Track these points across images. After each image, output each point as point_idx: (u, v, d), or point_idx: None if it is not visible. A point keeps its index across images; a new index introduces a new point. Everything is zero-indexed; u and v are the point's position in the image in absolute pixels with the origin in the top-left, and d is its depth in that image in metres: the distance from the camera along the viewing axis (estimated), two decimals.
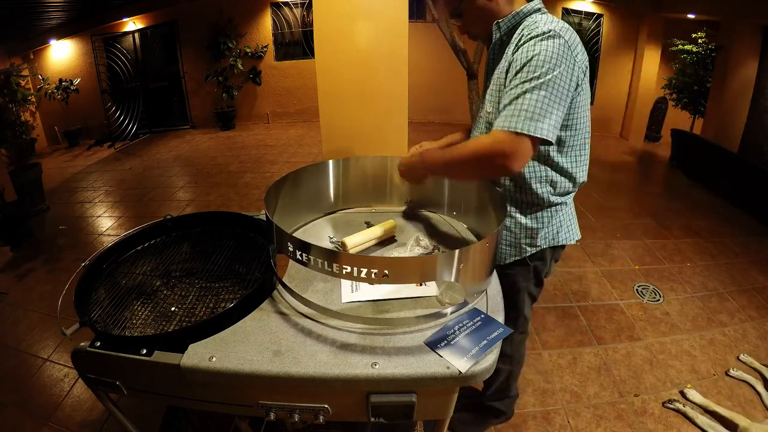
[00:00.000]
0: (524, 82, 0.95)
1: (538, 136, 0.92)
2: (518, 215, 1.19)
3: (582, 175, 1.16)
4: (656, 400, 1.88)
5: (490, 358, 0.83)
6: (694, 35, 5.40)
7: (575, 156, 1.13)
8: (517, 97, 0.95)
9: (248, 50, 6.76)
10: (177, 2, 6.43)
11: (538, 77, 0.94)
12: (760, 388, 1.91)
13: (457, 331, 0.89)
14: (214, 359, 0.83)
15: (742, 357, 2.08)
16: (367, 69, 1.91)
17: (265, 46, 6.83)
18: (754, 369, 2.01)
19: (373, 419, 0.86)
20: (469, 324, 0.91)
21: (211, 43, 6.61)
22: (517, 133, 0.93)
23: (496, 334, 0.88)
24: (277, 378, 0.81)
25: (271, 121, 7.34)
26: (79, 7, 5.64)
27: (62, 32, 6.31)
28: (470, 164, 1.02)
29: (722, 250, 3.14)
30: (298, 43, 6.98)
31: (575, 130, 1.08)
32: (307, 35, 6.81)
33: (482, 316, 0.93)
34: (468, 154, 1.01)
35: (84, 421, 1.82)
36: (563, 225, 1.22)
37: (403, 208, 1.44)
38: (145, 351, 0.86)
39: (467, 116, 3.02)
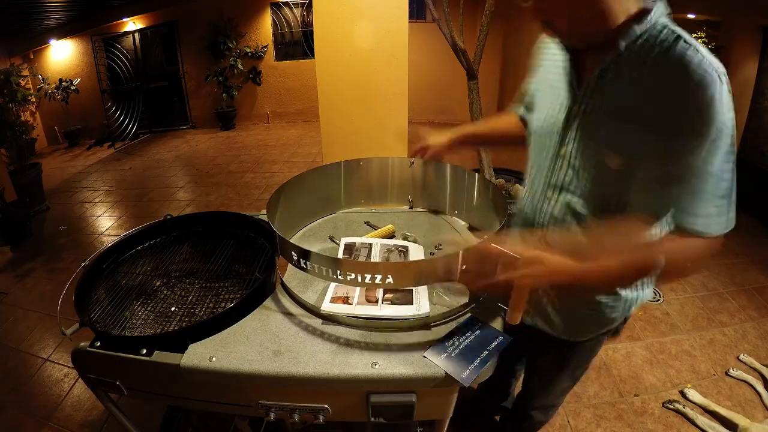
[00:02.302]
0: (713, 151, 0.68)
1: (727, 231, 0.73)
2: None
3: None
4: (656, 400, 1.88)
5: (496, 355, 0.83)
6: (694, 35, 5.41)
7: None
8: (707, 177, 0.70)
9: (248, 50, 6.76)
10: (177, 2, 6.42)
11: (730, 144, 0.69)
12: (760, 388, 1.91)
13: (456, 342, 0.86)
14: (214, 359, 0.83)
15: (742, 357, 2.08)
16: (367, 69, 1.91)
17: (265, 46, 6.83)
18: (754, 369, 2.01)
19: (373, 419, 0.86)
20: (468, 333, 0.89)
21: (211, 43, 6.61)
22: (714, 237, 0.73)
23: (495, 343, 0.86)
24: (277, 378, 0.81)
25: (271, 121, 7.34)
26: (79, 7, 5.64)
27: (62, 32, 6.31)
28: (629, 278, 0.81)
29: (722, 250, 3.12)
30: (298, 43, 6.98)
31: None
32: (307, 35, 6.80)
33: (480, 324, 0.91)
34: (632, 266, 0.75)
35: (84, 421, 1.82)
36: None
37: (404, 207, 1.44)
38: (145, 351, 0.86)
39: (467, 116, 3.02)
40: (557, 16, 0.74)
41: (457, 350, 0.84)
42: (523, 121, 1.13)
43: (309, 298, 0.99)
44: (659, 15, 0.73)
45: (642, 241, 0.77)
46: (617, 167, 0.77)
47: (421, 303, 0.96)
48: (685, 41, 0.70)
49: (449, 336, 0.88)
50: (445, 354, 0.83)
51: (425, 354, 0.84)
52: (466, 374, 0.79)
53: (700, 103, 0.66)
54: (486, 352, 0.84)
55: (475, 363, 0.81)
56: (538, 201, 0.96)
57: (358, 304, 0.96)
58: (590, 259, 0.75)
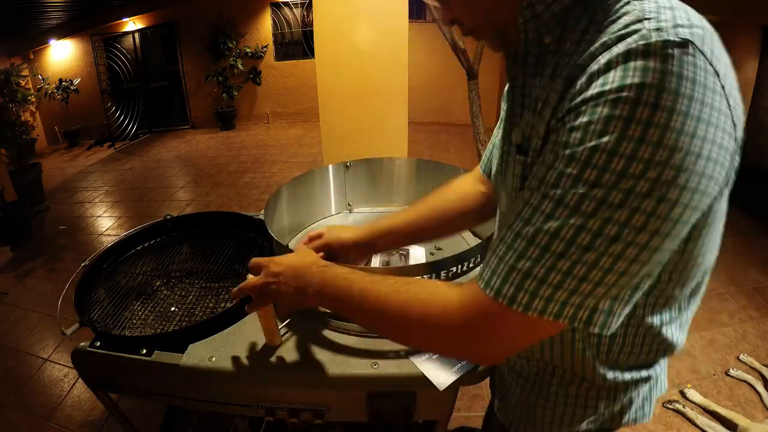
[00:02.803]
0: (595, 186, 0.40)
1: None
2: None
3: None
4: (656, 400, 1.88)
5: None
6: None
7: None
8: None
9: (248, 50, 6.76)
10: (177, 2, 6.42)
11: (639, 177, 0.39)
12: (760, 388, 1.91)
13: None
14: (214, 359, 0.83)
15: (742, 357, 2.08)
16: (367, 69, 1.91)
17: (265, 46, 6.83)
18: (754, 369, 2.01)
19: (373, 419, 0.86)
20: None
21: (211, 43, 6.61)
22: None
23: None
24: (277, 378, 0.81)
25: (271, 121, 7.34)
26: (79, 7, 5.64)
27: (62, 32, 6.31)
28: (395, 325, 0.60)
29: (722, 250, 3.12)
30: (298, 43, 6.98)
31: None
32: (307, 35, 6.80)
33: None
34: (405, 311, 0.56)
35: (84, 421, 1.82)
36: None
37: (403, 207, 1.44)
38: (145, 351, 0.86)
39: (467, 116, 3.02)
40: (461, 11, 0.55)
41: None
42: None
43: None
44: None
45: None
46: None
47: None
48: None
49: None
50: (427, 356, 0.82)
51: (408, 353, 0.83)
52: (442, 378, 0.78)
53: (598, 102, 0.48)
54: None
55: (455, 368, 0.80)
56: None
57: None
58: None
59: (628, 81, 0.37)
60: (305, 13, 6.73)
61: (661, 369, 0.67)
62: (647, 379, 0.64)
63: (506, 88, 0.61)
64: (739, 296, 2.60)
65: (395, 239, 0.89)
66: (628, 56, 0.38)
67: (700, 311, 2.52)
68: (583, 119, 0.40)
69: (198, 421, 1.37)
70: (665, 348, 0.60)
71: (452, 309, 0.50)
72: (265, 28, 6.82)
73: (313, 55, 2.68)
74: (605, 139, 0.38)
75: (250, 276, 0.73)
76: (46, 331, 2.38)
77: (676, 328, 0.59)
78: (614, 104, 0.38)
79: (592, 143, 0.39)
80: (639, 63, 0.37)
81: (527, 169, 0.52)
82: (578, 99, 0.41)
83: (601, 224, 0.40)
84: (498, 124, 0.76)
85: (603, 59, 0.40)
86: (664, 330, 0.57)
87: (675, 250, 0.44)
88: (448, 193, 0.91)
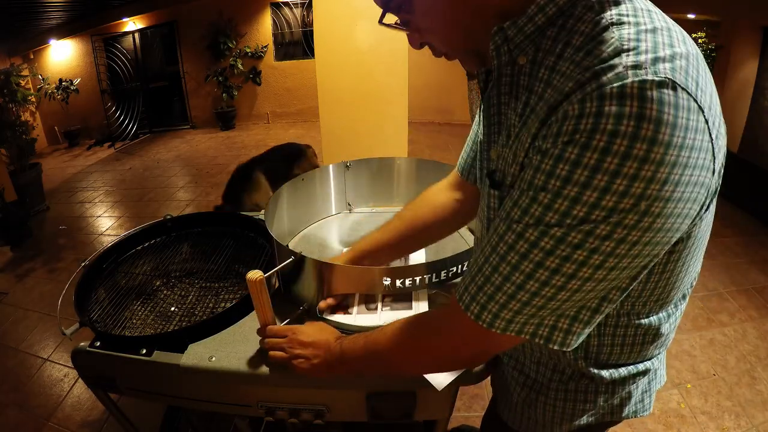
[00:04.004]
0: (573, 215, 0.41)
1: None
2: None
3: None
4: (656, 400, 1.87)
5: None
6: (694, 35, 5.42)
7: None
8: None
9: (248, 50, 6.76)
10: (177, 2, 6.42)
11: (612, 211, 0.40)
12: None
13: None
14: (213, 359, 0.83)
15: None
16: (367, 69, 1.91)
17: (265, 46, 6.83)
18: None
19: (373, 419, 0.86)
20: None
21: (211, 43, 6.61)
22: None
23: None
24: (277, 378, 0.81)
25: (271, 121, 7.34)
26: (79, 7, 5.64)
27: (62, 32, 6.31)
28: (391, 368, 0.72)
29: (722, 250, 3.13)
30: (298, 43, 6.98)
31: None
32: (307, 35, 6.80)
33: None
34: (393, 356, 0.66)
35: (84, 421, 1.82)
36: None
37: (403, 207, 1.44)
38: (144, 351, 0.86)
39: (467, 116, 3.02)
40: (431, 36, 0.56)
41: None
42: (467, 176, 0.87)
43: (308, 297, 0.99)
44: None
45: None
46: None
47: (420, 305, 0.94)
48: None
49: None
50: None
51: None
52: (441, 378, 0.78)
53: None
54: None
55: None
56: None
57: (358, 313, 0.93)
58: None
59: (600, 127, 0.37)
60: (305, 13, 6.73)
61: (660, 362, 0.70)
62: (645, 372, 0.66)
63: (481, 109, 0.60)
64: (739, 296, 2.60)
65: (377, 259, 0.93)
66: (602, 100, 0.37)
67: (700, 311, 2.51)
68: (551, 161, 0.41)
69: (198, 421, 1.37)
70: (659, 344, 0.64)
71: (436, 327, 0.59)
72: (265, 28, 6.82)
73: (313, 55, 2.68)
74: (569, 185, 0.40)
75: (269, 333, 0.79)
76: (46, 331, 2.38)
77: (666, 327, 0.62)
78: (583, 149, 0.38)
79: (557, 186, 0.40)
80: (613, 109, 0.36)
81: (498, 202, 0.56)
82: (550, 139, 0.41)
83: (559, 262, 0.43)
84: (474, 123, 0.80)
85: (576, 99, 0.39)
86: (653, 329, 0.61)
87: (648, 271, 0.49)
88: (422, 208, 0.93)
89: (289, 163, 2.45)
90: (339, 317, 0.93)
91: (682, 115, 0.37)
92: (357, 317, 0.92)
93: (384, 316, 0.92)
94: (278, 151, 2.55)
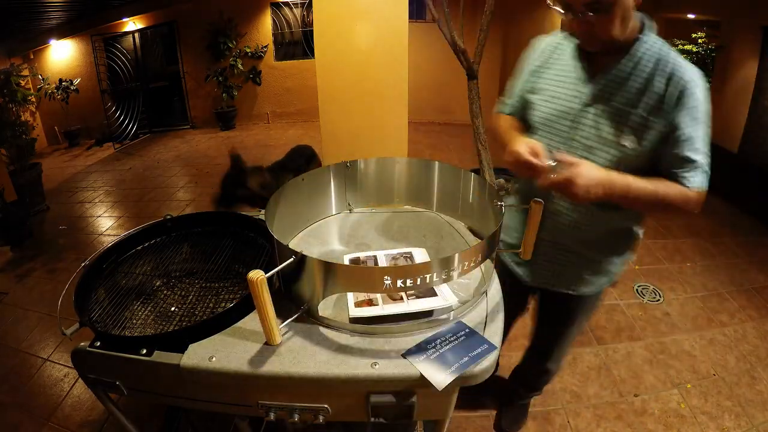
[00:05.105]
0: (704, 137, 0.97)
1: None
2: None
3: None
4: (656, 400, 1.88)
5: (491, 358, 0.83)
6: (694, 35, 5.42)
7: None
8: (705, 153, 0.98)
9: (248, 50, 6.76)
10: (177, 2, 6.42)
11: (706, 129, 0.97)
12: None
13: (438, 345, 0.85)
14: (214, 359, 0.83)
15: None
16: (367, 69, 1.91)
17: (265, 46, 6.82)
18: None
19: (373, 419, 0.86)
20: (452, 338, 0.87)
21: (211, 43, 6.61)
22: (701, 192, 0.99)
23: (479, 350, 0.84)
24: (277, 378, 0.81)
25: (271, 121, 7.34)
26: (79, 7, 5.64)
27: (62, 32, 6.31)
28: (662, 207, 1.01)
29: (722, 250, 3.14)
30: (298, 43, 6.98)
31: None
32: (307, 35, 6.80)
33: (466, 330, 0.90)
34: (674, 202, 0.98)
35: (84, 421, 1.82)
36: None
37: (403, 207, 1.44)
38: (145, 351, 0.86)
39: (467, 116, 3.02)
40: (602, 30, 0.93)
41: (438, 353, 0.83)
42: (515, 115, 1.26)
43: (308, 297, 0.99)
44: (650, 28, 0.99)
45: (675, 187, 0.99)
46: (629, 144, 0.99)
47: (445, 293, 0.97)
48: (670, 48, 0.99)
49: (433, 339, 0.87)
50: (425, 356, 0.82)
51: (403, 353, 0.83)
52: (441, 378, 0.78)
53: (695, 91, 0.94)
54: (467, 358, 0.82)
55: (453, 368, 0.80)
56: (579, 149, 1.09)
57: (384, 304, 0.95)
58: (648, 188, 0.96)
59: None
60: (305, 13, 6.73)
61: None
62: None
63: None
64: (739, 296, 2.60)
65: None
66: (698, 83, 0.97)
67: (700, 311, 2.51)
68: (691, 99, 0.96)
69: (198, 421, 1.37)
70: None
71: (700, 199, 1.00)
72: (265, 28, 6.82)
73: (313, 55, 2.68)
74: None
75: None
76: (46, 331, 2.38)
77: None
78: None
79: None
80: (701, 87, 0.98)
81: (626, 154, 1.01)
82: (685, 94, 0.96)
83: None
84: (537, 74, 1.17)
85: (691, 83, 0.97)
86: None
87: None
88: (511, 122, 1.23)
89: (308, 163, 2.50)
90: (366, 310, 0.93)
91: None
92: (384, 307, 0.94)
93: (412, 304, 0.94)
94: (298, 152, 2.58)
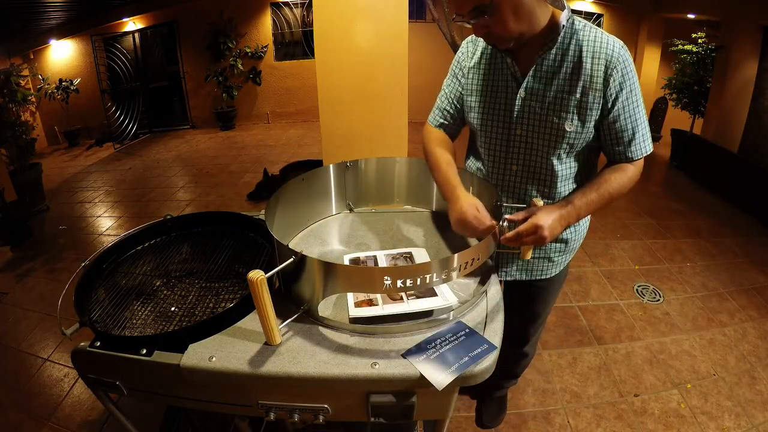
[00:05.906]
0: (638, 106, 1.01)
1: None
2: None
3: None
4: (656, 400, 1.88)
5: (491, 358, 0.83)
6: (694, 35, 5.41)
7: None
8: (640, 122, 1.02)
9: (248, 50, 6.76)
10: (177, 2, 6.42)
11: (639, 98, 1.00)
12: None
13: (438, 345, 0.85)
14: (214, 359, 0.83)
15: None
16: (367, 69, 1.91)
17: (265, 46, 6.83)
18: None
19: (373, 419, 0.86)
20: (452, 338, 0.87)
21: (211, 43, 6.61)
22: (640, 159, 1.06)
23: (479, 350, 0.84)
24: (277, 378, 0.81)
25: (271, 121, 7.34)
26: (79, 7, 5.64)
27: (62, 32, 6.31)
28: (616, 199, 1.07)
29: (722, 250, 3.14)
30: (298, 43, 6.98)
31: None
32: (307, 35, 6.80)
33: (466, 330, 0.90)
34: (621, 191, 1.05)
35: (84, 421, 1.82)
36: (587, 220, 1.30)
37: (403, 207, 1.44)
38: (145, 351, 0.86)
39: None
40: (500, 30, 0.93)
41: (438, 353, 0.83)
42: (446, 128, 1.28)
43: (308, 297, 0.99)
44: (568, 12, 0.99)
45: (621, 172, 1.06)
46: (572, 128, 1.02)
47: (445, 293, 0.97)
48: (591, 27, 1.00)
49: (433, 339, 0.87)
50: (425, 356, 0.82)
51: (404, 354, 0.83)
52: (441, 378, 0.78)
53: (622, 63, 0.97)
54: (467, 358, 0.82)
55: (453, 368, 0.80)
56: (501, 175, 1.18)
57: (384, 304, 0.95)
58: (599, 198, 1.04)
59: None
60: (305, 13, 6.73)
61: None
62: None
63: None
64: (739, 296, 2.60)
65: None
66: (623, 55, 1.00)
67: (700, 311, 2.51)
68: (619, 74, 0.99)
69: (198, 421, 1.37)
70: None
71: (640, 169, 1.09)
72: (265, 28, 6.82)
73: (313, 55, 2.68)
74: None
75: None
76: (46, 331, 2.38)
77: None
78: None
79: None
80: (627, 57, 1.01)
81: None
82: (611, 70, 0.98)
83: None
84: (464, 83, 1.18)
85: (617, 56, 0.98)
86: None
87: None
88: (447, 149, 1.22)
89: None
90: (366, 310, 0.93)
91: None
92: (384, 308, 0.93)
93: (412, 304, 0.94)
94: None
